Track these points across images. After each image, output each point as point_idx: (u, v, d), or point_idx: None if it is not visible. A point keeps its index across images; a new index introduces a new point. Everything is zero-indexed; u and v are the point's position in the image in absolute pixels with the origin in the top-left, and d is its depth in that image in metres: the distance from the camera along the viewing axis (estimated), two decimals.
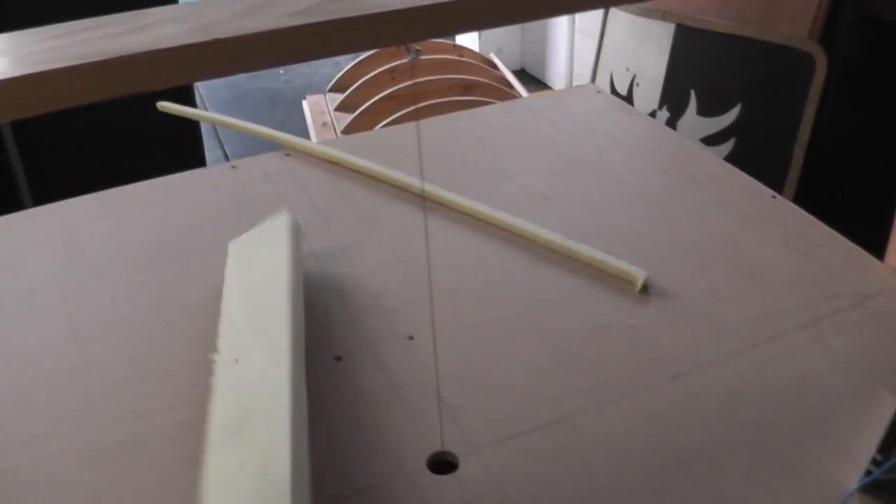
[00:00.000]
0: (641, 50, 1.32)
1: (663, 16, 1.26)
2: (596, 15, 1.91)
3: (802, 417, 0.51)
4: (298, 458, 0.45)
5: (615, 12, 1.40)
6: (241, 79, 2.92)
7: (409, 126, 0.92)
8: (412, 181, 0.77)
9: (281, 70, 2.99)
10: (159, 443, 0.51)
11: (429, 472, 0.48)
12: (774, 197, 0.75)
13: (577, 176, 0.79)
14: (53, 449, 0.51)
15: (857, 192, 1.12)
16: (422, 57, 2.49)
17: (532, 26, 2.76)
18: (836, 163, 1.13)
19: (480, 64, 2.56)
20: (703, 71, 1.23)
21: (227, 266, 0.63)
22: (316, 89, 2.65)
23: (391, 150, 0.84)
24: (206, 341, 0.58)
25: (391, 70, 2.44)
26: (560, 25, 2.58)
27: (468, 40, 2.73)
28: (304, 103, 2.62)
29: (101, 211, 0.77)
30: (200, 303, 0.63)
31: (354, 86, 2.43)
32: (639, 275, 0.63)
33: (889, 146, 1.11)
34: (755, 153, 1.17)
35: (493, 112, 0.96)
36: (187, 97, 2.14)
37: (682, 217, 0.72)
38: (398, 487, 0.47)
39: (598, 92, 0.98)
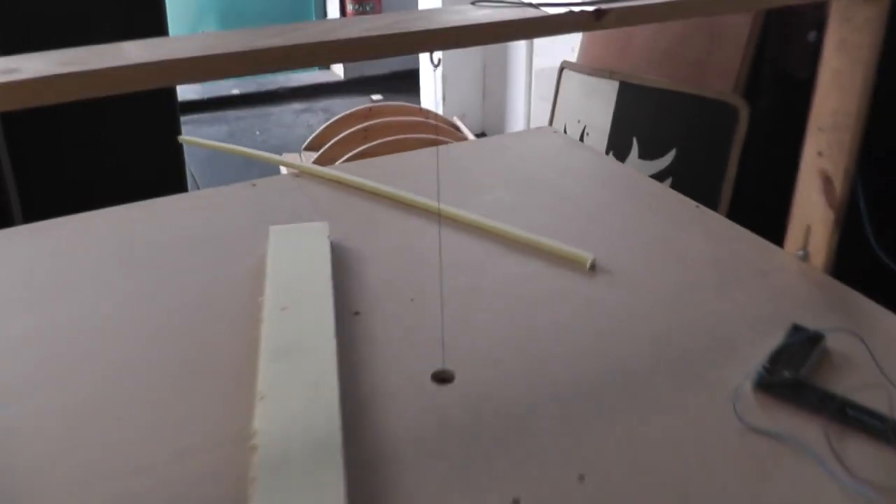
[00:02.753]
0: (590, 104, 1.52)
1: (609, 74, 1.46)
2: (551, 80, 2.12)
3: (713, 346, 0.68)
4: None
5: (568, 73, 1.60)
6: (222, 138, 3.08)
7: (400, 156, 1.09)
8: (405, 194, 0.93)
9: (257, 131, 3.17)
10: (211, 373, 0.66)
11: (432, 383, 0.63)
12: (698, 206, 0.93)
13: (538, 192, 0.97)
14: (141, 379, 0.65)
15: (777, 224, 1.31)
16: (392, 119, 2.67)
17: (493, 93, 2.97)
18: (758, 198, 1.32)
19: (446, 126, 2.75)
20: (643, 121, 1.42)
21: (271, 242, 0.80)
22: (291, 148, 2.83)
23: (386, 173, 1.01)
24: (249, 302, 0.74)
25: (364, 129, 2.62)
26: (518, 92, 2.80)
27: (433, 106, 2.94)
28: (281, 157, 2.78)
29: (144, 214, 0.92)
30: (242, 277, 0.78)
31: (329, 143, 2.60)
32: (588, 256, 0.80)
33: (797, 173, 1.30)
34: (689, 191, 1.34)
35: (468, 146, 1.14)
36: (175, 152, 2.32)
37: (623, 220, 0.90)
38: (410, 393, 0.62)
39: (555, 132, 1.16)
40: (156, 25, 2.13)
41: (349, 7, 3.39)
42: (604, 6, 0.53)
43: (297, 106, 3.36)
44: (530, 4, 0.54)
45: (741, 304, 0.74)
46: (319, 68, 3.65)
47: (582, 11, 0.53)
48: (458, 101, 2.93)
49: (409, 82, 3.40)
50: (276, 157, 1.06)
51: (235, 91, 3.33)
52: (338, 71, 3.62)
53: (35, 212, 1.95)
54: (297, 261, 0.78)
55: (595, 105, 1.49)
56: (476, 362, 0.66)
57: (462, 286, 0.77)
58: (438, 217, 0.86)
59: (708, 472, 0.55)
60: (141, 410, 0.61)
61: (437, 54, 0.51)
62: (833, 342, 0.67)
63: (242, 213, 0.92)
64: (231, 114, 3.14)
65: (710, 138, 1.34)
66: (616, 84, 1.44)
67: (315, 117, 3.25)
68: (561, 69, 1.62)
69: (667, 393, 0.62)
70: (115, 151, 2.22)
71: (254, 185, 1.00)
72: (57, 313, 0.74)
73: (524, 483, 0.54)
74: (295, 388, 0.60)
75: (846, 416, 0.59)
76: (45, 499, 0.53)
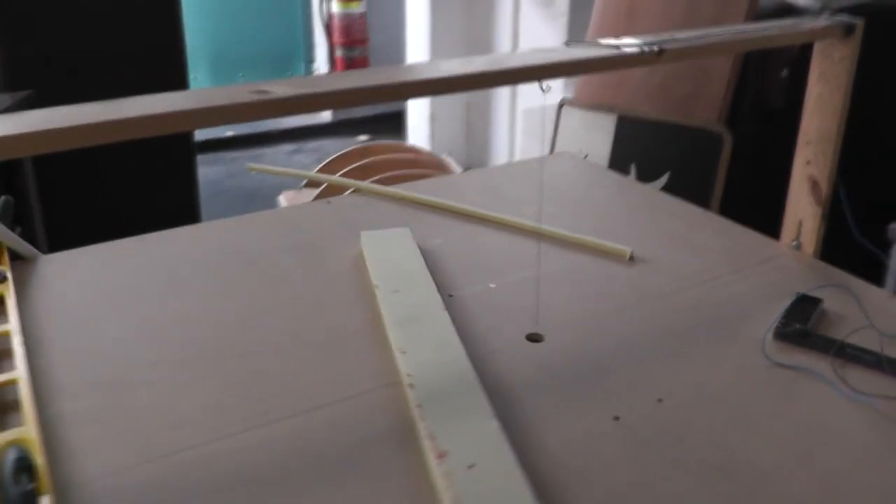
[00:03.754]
0: (590, 136, 1.72)
1: (608, 109, 1.66)
2: (540, 118, 2.33)
3: (737, 311, 0.86)
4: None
5: (568, 110, 1.80)
6: (220, 178, 3.24)
7: (444, 178, 1.27)
8: (460, 205, 1.11)
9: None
10: (345, 345, 0.83)
11: (527, 342, 0.81)
12: (705, 212, 1.12)
13: (572, 204, 1.15)
14: (290, 349, 0.82)
15: (759, 230, 1.51)
16: (387, 156, 2.86)
17: (476, 132, 3.18)
18: (742, 210, 1.53)
19: (435, 161, 2.94)
20: (639, 149, 1.63)
21: (364, 244, 0.97)
22: (289, 186, 2.99)
23: (441, 190, 1.19)
24: (359, 289, 0.91)
25: (361, 167, 2.79)
26: (502, 130, 3.01)
27: (421, 144, 3.13)
28: (281, 198, 2.95)
29: (241, 227, 1.09)
30: (345, 271, 0.95)
31: (330, 179, 2.76)
32: (627, 249, 0.98)
33: (776, 196, 1.51)
34: None
35: (496, 171, 1.32)
36: (190, 188, 2.49)
37: (647, 222, 1.09)
38: (511, 350, 0.80)
39: (573, 157, 1.36)
40: (178, 76, 2.30)
41: (338, 53, 3.60)
42: (665, 46, 0.72)
43: (288, 147, 3.54)
44: (610, 45, 0.72)
45: (753, 282, 0.93)
46: None
47: (651, 50, 0.72)
48: (443, 140, 3.13)
49: (393, 124, 3.60)
50: (347, 180, 1.23)
51: (230, 133, 3.50)
52: (325, 113, 3.81)
53: (59, 244, 2.11)
54: (392, 257, 0.96)
55: (595, 136, 1.69)
56: (557, 327, 0.84)
57: (533, 275, 0.95)
58: (539, 222, 1.05)
59: (749, 394, 0.73)
60: (301, 368, 0.78)
61: (547, 82, 0.70)
62: (828, 305, 0.86)
63: (327, 225, 1.10)
64: (227, 155, 3.30)
65: (699, 162, 1.55)
66: (614, 117, 1.65)
67: (307, 157, 3.43)
68: (560, 106, 1.82)
69: (709, 343, 0.81)
70: (138, 187, 2.39)
71: (329, 202, 1.17)
72: (195, 306, 0.90)
73: (618, 405, 0.72)
74: (426, 345, 0.78)
75: (846, 353, 0.78)
76: (245, 433, 0.70)
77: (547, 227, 1.05)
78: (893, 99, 1.41)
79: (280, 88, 0.62)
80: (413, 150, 2.97)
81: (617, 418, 0.70)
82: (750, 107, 1.50)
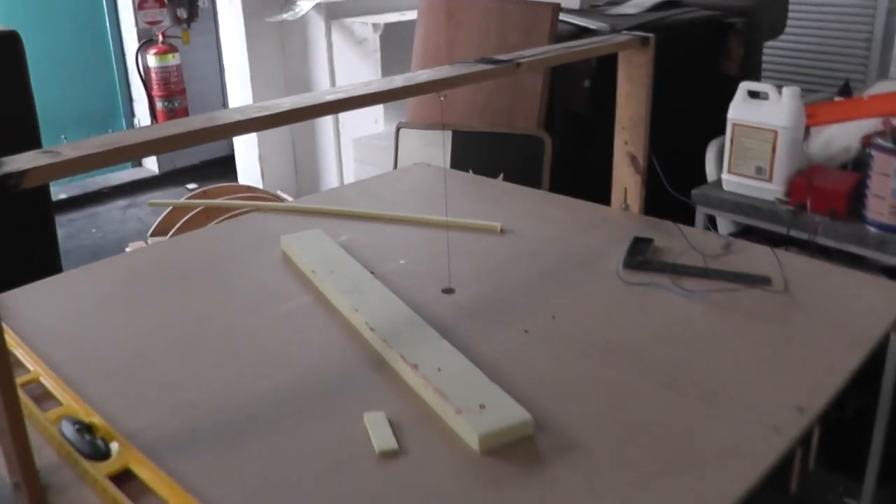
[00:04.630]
0: (430, 151, 1.98)
1: (443, 126, 1.93)
2: (370, 146, 2.58)
3: (590, 256, 1.14)
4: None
5: (406, 132, 2.06)
6: (61, 241, 3.23)
7: (329, 191, 1.48)
8: (352, 209, 1.33)
9: (93, 229, 3.36)
10: (303, 316, 1.03)
11: (443, 294, 1.05)
12: (546, 192, 1.40)
13: (440, 198, 1.40)
14: (258, 326, 1.01)
15: None
16: (228, 197, 2.99)
17: (304, 167, 3.38)
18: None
19: (272, 198, 3.10)
20: (475, 156, 1.90)
21: (287, 245, 1.17)
22: (133, 238, 3.06)
23: (325, 201, 1.41)
24: (292, 279, 1.11)
25: (205, 210, 2.92)
26: (329, 161, 3.23)
27: (253, 184, 3.30)
28: (128, 249, 3.02)
29: (170, 249, 1.26)
30: (274, 267, 1.15)
31: (176, 226, 2.88)
32: (497, 224, 1.24)
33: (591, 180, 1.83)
34: None
35: (365, 183, 1.56)
36: (50, 246, 2.54)
37: (504, 204, 1.36)
38: (433, 301, 1.03)
39: (429, 165, 1.61)
40: (31, 142, 2.36)
41: (158, 105, 3.69)
42: (521, 60, 0.98)
43: (121, 203, 3.58)
44: (473, 64, 0.98)
45: (598, 235, 1.21)
46: (133, 165, 3.90)
47: (509, 64, 0.98)
48: (274, 178, 3.31)
49: (219, 169, 3.73)
50: (266, 203, 1.42)
51: (63, 195, 3.51)
52: (151, 166, 3.88)
53: None
54: (316, 250, 1.16)
55: (434, 151, 1.95)
56: (463, 283, 1.08)
57: (432, 251, 1.18)
58: (445, 212, 1.28)
59: (615, 304, 1.01)
60: (275, 337, 0.98)
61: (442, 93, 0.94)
62: (658, 242, 1.16)
63: (244, 238, 1.29)
64: (63, 217, 3.30)
65: (526, 162, 1.84)
66: (450, 133, 1.92)
67: (142, 210, 3.49)
68: (398, 129, 2.07)
69: (578, 277, 1.08)
70: None
71: (237, 221, 1.36)
72: (162, 310, 1.07)
73: (525, 323, 0.97)
74: (372, 305, 1.00)
75: (678, 270, 1.07)
76: (250, 384, 0.89)
77: (431, 216, 1.29)
78: (675, 90, 1.76)
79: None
80: (250, 189, 3.13)
81: (526, 331, 0.95)
82: (561, 114, 1.82)
